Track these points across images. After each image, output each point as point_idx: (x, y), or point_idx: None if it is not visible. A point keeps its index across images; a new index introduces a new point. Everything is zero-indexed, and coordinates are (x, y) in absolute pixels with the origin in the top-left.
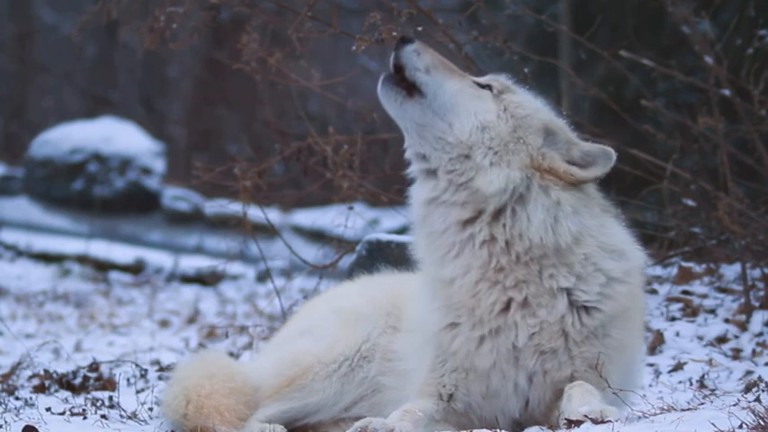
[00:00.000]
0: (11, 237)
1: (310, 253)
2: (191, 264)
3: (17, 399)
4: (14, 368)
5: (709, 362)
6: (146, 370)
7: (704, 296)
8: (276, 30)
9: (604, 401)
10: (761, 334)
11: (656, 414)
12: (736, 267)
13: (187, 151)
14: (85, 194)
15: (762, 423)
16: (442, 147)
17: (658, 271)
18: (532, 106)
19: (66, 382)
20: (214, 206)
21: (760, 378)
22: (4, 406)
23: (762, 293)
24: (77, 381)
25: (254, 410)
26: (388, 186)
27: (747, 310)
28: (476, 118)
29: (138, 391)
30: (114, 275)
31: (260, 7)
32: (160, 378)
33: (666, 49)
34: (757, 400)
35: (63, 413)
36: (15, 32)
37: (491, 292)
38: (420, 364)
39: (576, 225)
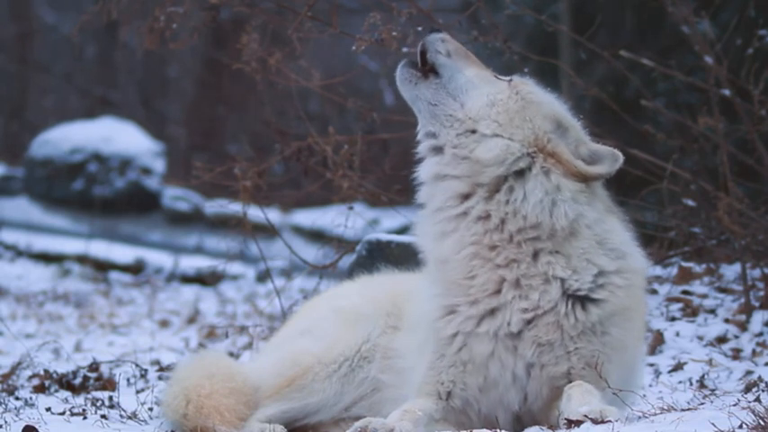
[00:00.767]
0: (11, 237)
1: (310, 253)
2: (191, 264)
3: (17, 399)
4: (14, 368)
5: (710, 362)
6: (146, 370)
7: (704, 296)
8: (276, 30)
9: (604, 401)
10: (761, 334)
11: (656, 414)
12: (736, 267)
13: (187, 151)
14: (85, 194)
15: (762, 423)
16: (451, 124)
17: (658, 271)
18: (547, 98)
19: (66, 382)
20: (214, 206)
21: (760, 378)
22: (4, 406)
23: (762, 293)
24: (77, 381)
25: (254, 410)
26: (388, 186)
27: (747, 310)
28: (487, 97)
29: (138, 391)
30: (114, 275)
31: (260, 7)
32: (160, 378)
33: (666, 49)
34: (757, 400)
35: (63, 413)
36: (15, 32)
37: (484, 270)
38: (419, 362)
39: (574, 211)
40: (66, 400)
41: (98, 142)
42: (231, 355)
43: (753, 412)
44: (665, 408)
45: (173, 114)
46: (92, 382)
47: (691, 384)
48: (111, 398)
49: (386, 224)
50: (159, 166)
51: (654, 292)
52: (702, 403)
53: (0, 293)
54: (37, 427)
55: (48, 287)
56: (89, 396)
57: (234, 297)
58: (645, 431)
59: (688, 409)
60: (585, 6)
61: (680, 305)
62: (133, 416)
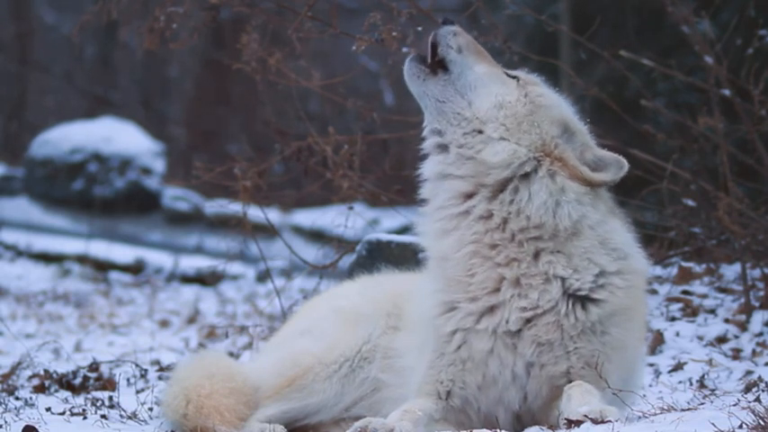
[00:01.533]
0: (11, 237)
1: (310, 253)
2: (191, 264)
3: (17, 399)
4: (14, 368)
5: (710, 362)
6: (146, 370)
7: (704, 296)
8: (276, 30)
9: (604, 401)
10: (761, 334)
11: (656, 414)
12: (736, 267)
13: (187, 151)
14: (85, 194)
15: (762, 423)
16: (458, 122)
17: (658, 271)
18: (556, 101)
19: (66, 382)
20: (214, 206)
21: (760, 378)
22: (4, 406)
23: (762, 293)
24: (77, 381)
25: (254, 410)
26: (388, 186)
27: (747, 310)
28: (495, 98)
29: (138, 391)
30: (114, 275)
31: (260, 7)
32: (160, 378)
33: (666, 49)
34: (757, 400)
35: (63, 413)
36: (15, 32)
37: (483, 268)
38: (419, 361)
39: (577, 212)
40: (66, 400)
41: (98, 142)
42: (231, 355)
43: (753, 412)
44: (665, 408)
45: (173, 114)
46: (92, 382)
47: (691, 384)
48: (111, 398)
49: (386, 224)
50: (159, 166)
51: (654, 292)
52: (702, 403)
53: (0, 293)
54: (37, 427)
55: (48, 287)
56: (89, 396)
57: (234, 297)
58: (645, 431)
59: (688, 409)
60: (585, 6)
61: (680, 305)
62: (133, 416)
